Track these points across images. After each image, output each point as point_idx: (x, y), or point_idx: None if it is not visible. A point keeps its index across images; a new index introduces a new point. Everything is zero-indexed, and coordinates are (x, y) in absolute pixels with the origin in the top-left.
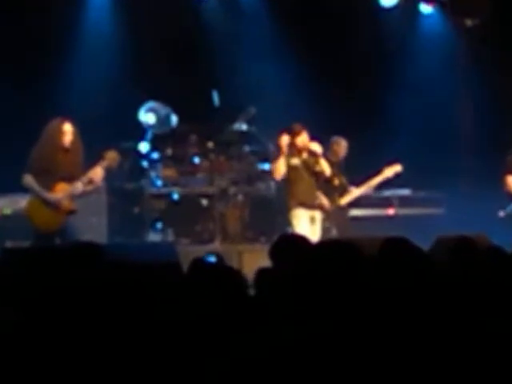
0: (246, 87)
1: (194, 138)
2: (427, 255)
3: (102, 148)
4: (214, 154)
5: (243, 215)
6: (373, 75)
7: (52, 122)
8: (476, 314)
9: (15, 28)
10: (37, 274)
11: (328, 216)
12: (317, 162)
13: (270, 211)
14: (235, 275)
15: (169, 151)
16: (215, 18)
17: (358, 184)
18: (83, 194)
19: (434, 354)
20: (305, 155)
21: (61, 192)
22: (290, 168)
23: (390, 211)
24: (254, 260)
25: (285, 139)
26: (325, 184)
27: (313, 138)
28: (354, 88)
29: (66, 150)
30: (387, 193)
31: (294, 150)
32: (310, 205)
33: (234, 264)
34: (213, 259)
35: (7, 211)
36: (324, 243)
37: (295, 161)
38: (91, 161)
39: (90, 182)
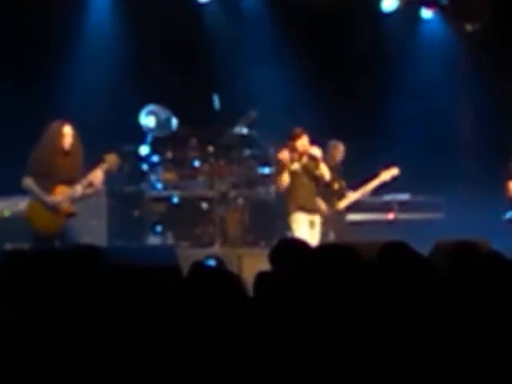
0: (246, 91)
1: (194, 141)
2: (426, 260)
3: (102, 151)
4: (214, 157)
5: (243, 219)
6: (373, 80)
7: (52, 125)
8: (475, 319)
9: (15, 29)
10: (36, 276)
11: (326, 220)
12: (317, 167)
13: (269, 215)
14: (235, 279)
15: (169, 154)
16: (216, 22)
17: (354, 188)
18: (83, 197)
19: (433, 358)
20: (305, 159)
21: (60, 195)
22: (290, 173)
23: (390, 216)
24: (253, 264)
25: (286, 154)
26: (323, 188)
27: (313, 142)
28: (354, 92)
29: (66, 153)
30: (387, 197)
31: (294, 154)
32: (309, 209)
33: (234, 268)
34: (212, 263)
35: (7, 213)
36: (323, 247)
37: (295, 166)
38: (91, 163)
39: (90, 184)
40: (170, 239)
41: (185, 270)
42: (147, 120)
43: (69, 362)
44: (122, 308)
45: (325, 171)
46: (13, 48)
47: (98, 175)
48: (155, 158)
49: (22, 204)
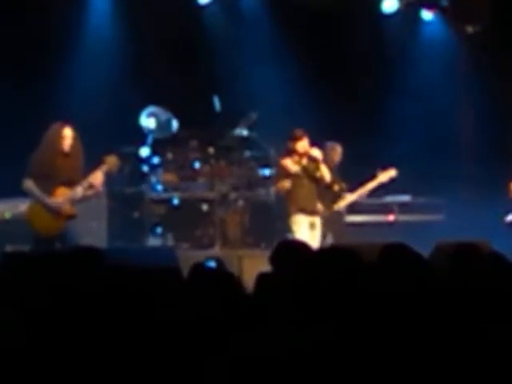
0: (247, 92)
1: (194, 143)
2: (427, 261)
3: (102, 152)
4: (214, 159)
5: (243, 220)
6: (373, 81)
7: (52, 127)
8: (476, 321)
9: (15, 30)
10: (37, 278)
11: (324, 222)
12: (317, 168)
13: (270, 217)
14: (235, 280)
15: (169, 156)
16: (216, 23)
17: (352, 190)
18: (83, 199)
19: (434, 359)
20: (305, 161)
21: (61, 196)
22: (291, 175)
23: (390, 217)
24: (253, 265)
25: (289, 162)
26: (322, 190)
27: (313, 143)
28: (354, 94)
29: (66, 155)
30: (387, 199)
31: (294, 156)
32: (310, 211)
33: (234, 269)
34: (213, 264)
35: (7, 215)
36: (324, 249)
37: (295, 168)
38: (91, 165)
39: (90, 186)
40: (170, 241)
41: (185, 271)
42: (147, 121)
43: (69, 363)
44: (122, 309)
45: (325, 173)
46: (13, 48)
47: (98, 177)
48: (155, 160)
49: (22, 206)
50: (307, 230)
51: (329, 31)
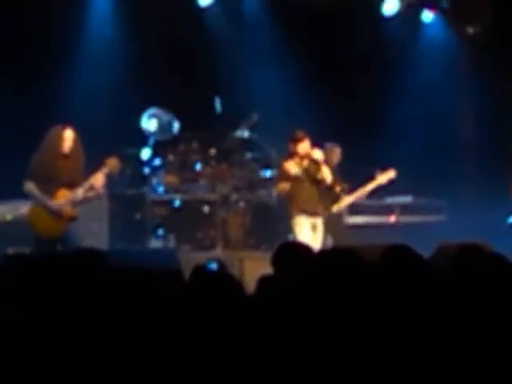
0: (247, 94)
1: (195, 144)
2: (428, 262)
3: (103, 154)
4: (215, 160)
5: (245, 222)
6: (374, 82)
7: (53, 129)
8: (479, 322)
9: (15, 33)
10: (38, 280)
11: (324, 223)
12: (318, 170)
13: (271, 218)
14: (236, 282)
15: (170, 158)
16: (217, 25)
17: (351, 191)
18: (84, 201)
19: (436, 360)
20: (306, 163)
21: (62, 198)
22: (292, 177)
23: (392, 219)
24: (255, 267)
25: (292, 165)
26: (322, 191)
27: (314, 145)
28: (355, 95)
29: (67, 157)
30: (388, 200)
31: (295, 158)
32: (311, 212)
33: (236, 271)
34: (214, 266)
35: (9, 217)
36: (326, 251)
37: (296, 170)
38: (93, 167)
39: (91, 188)
40: (171, 242)
41: (186, 273)
42: (149, 123)
43: (71, 365)
44: (123, 311)
45: (326, 174)
46: (13, 50)
47: (99, 179)
48: (157, 162)
49: (23, 208)
50: (309, 232)
51: (329, 33)
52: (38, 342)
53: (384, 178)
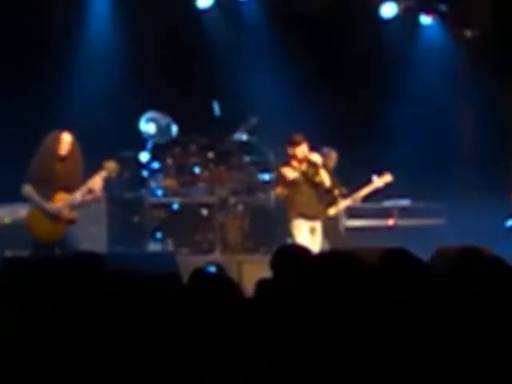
0: (246, 97)
1: (194, 147)
2: (427, 266)
3: (102, 157)
4: (214, 163)
5: (243, 225)
6: (373, 86)
7: (51, 133)
8: (477, 325)
9: (16, 33)
10: (36, 283)
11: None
12: (317, 173)
13: (269, 221)
14: (234, 286)
15: (169, 161)
16: (216, 28)
17: (347, 195)
18: (83, 204)
19: (435, 364)
20: (304, 166)
21: (60, 202)
22: (290, 182)
23: (390, 222)
24: (253, 270)
25: (290, 172)
26: (321, 194)
27: (312, 148)
28: (353, 98)
29: (64, 160)
30: (387, 203)
31: (293, 162)
32: (309, 216)
33: (234, 274)
34: (213, 269)
35: (7, 220)
36: (324, 254)
37: (294, 175)
38: (91, 170)
39: (90, 191)
40: (170, 246)
41: (185, 276)
42: (147, 126)
43: (69, 368)
44: (122, 314)
45: (325, 177)
46: (13, 52)
47: (97, 182)
48: (155, 165)
49: (22, 211)
50: (307, 235)
51: (328, 36)
52: (36, 346)
53: (381, 181)
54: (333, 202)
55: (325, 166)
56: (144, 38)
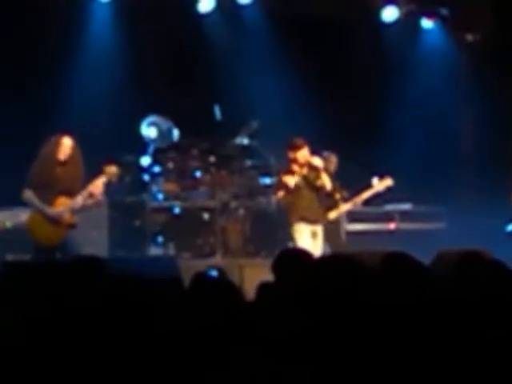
0: (247, 101)
1: (195, 151)
2: (428, 270)
3: (103, 161)
4: (215, 167)
5: (244, 229)
6: (374, 89)
7: (51, 138)
8: (478, 329)
9: (15, 36)
10: (37, 287)
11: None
12: (318, 177)
13: (271, 225)
14: (236, 290)
15: (170, 165)
16: (217, 32)
17: (348, 199)
18: (83, 208)
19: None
20: (305, 170)
21: (61, 206)
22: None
23: (391, 226)
24: (254, 274)
25: (291, 179)
26: (322, 198)
27: (313, 152)
28: (354, 102)
29: (65, 164)
30: (388, 207)
31: (294, 166)
32: (311, 220)
33: (235, 278)
34: (214, 273)
35: (8, 224)
36: (326, 258)
37: (295, 182)
38: (93, 174)
39: (90, 195)
40: (171, 250)
41: (186, 280)
42: (148, 131)
43: (70, 373)
44: (123, 319)
45: (326, 181)
46: (13, 60)
47: (98, 186)
48: (156, 169)
49: (23, 215)
50: (309, 239)
51: (329, 40)
52: (37, 350)
53: (381, 185)
54: (334, 205)
55: (326, 169)
56: (145, 42)
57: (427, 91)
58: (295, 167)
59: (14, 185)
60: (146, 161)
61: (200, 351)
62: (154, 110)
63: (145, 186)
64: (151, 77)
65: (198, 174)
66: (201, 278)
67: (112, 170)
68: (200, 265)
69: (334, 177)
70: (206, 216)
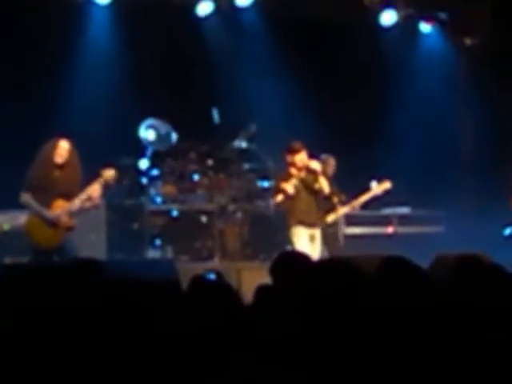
0: (245, 105)
1: (193, 155)
2: (426, 273)
3: (101, 164)
4: (213, 171)
5: (242, 232)
6: (372, 93)
7: (49, 141)
8: (476, 333)
9: (15, 36)
10: (35, 290)
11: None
12: (316, 180)
13: (269, 228)
14: (234, 293)
15: (168, 168)
16: (215, 36)
17: (346, 202)
18: (81, 211)
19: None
20: (303, 173)
21: (59, 209)
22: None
23: (390, 229)
24: (252, 277)
25: (289, 186)
26: (320, 202)
27: (311, 155)
28: (353, 105)
29: (62, 167)
30: (386, 211)
31: (292, 169)
32: (309, 223)
33: (233, 281)
34: (212, 276)
35: (6, 227)
36: (324, 261)
37: (293, 188)
38: (91, 177)
39: (88, 198)
40: (169, 253)
41: (184, 283)
42: (147, 134)
43: (69, 376)
44: (121, 322)
45: (324, 184)
46: (12, 63)
47: (95, 189)
48: (154, 172)
49: (21, 218)
50: (307, 242)
51: (327, 43)
52: (35, 353)
53: (379, 189)
54: (332, 209)
55: (324, 173)
56: (143, 45)
57: (426, 95)
58: (293, 170)
59: (12, 187)
60: (144, 164)
61: (198, 354)
62: (153, 113)
63: (143, 189)
64: (149, 80)
65: (196, 177)
66: (199, 281)
67: (110, 173)
68: (198, 268)
69: (332, 180)
70: (204, 219)
